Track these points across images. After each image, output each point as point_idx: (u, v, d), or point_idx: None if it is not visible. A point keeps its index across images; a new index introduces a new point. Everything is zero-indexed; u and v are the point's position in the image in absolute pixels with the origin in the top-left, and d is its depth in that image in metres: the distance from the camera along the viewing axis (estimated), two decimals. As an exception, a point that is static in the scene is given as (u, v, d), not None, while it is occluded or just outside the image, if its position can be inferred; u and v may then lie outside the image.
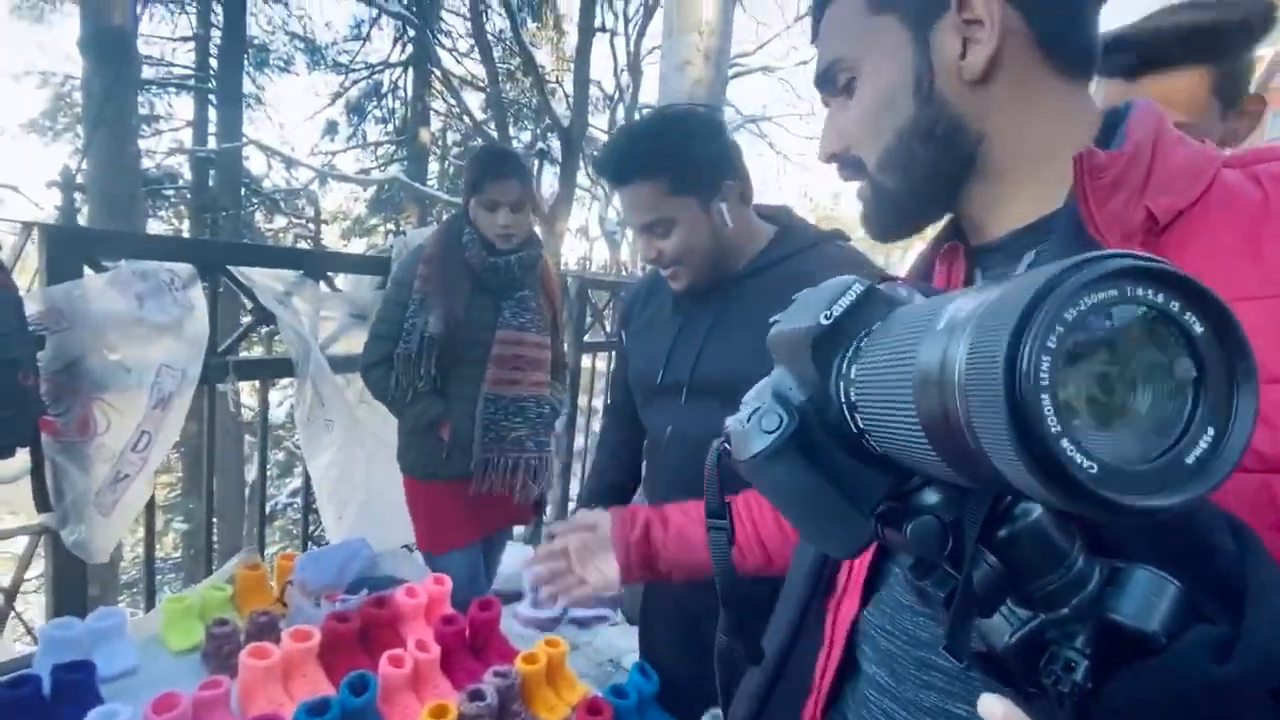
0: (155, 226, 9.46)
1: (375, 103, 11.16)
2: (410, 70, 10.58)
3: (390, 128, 11.67)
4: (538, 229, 1.77)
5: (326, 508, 1.73)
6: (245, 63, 9.63)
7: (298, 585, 1.38)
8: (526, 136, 11.80)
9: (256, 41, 10.34)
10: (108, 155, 4.76)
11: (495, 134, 9.18)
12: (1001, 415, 0.20)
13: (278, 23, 10.50)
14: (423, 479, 1.66)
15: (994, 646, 0.31)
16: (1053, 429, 0.20)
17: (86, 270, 1.36)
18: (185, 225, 10.02)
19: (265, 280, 1.68)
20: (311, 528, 2.01)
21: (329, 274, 1.86)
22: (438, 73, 9.81)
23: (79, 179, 4.74)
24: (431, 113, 11.08)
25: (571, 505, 2.61)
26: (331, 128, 11.23)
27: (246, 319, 1.71)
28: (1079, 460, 0.20)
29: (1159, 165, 0.40)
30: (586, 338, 2.82)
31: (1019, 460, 0.20)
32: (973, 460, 0.22)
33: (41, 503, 1.33)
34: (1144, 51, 0.82)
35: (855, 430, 0.31)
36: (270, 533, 7.46)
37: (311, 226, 10.05)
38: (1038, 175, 0.46)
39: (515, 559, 1.76)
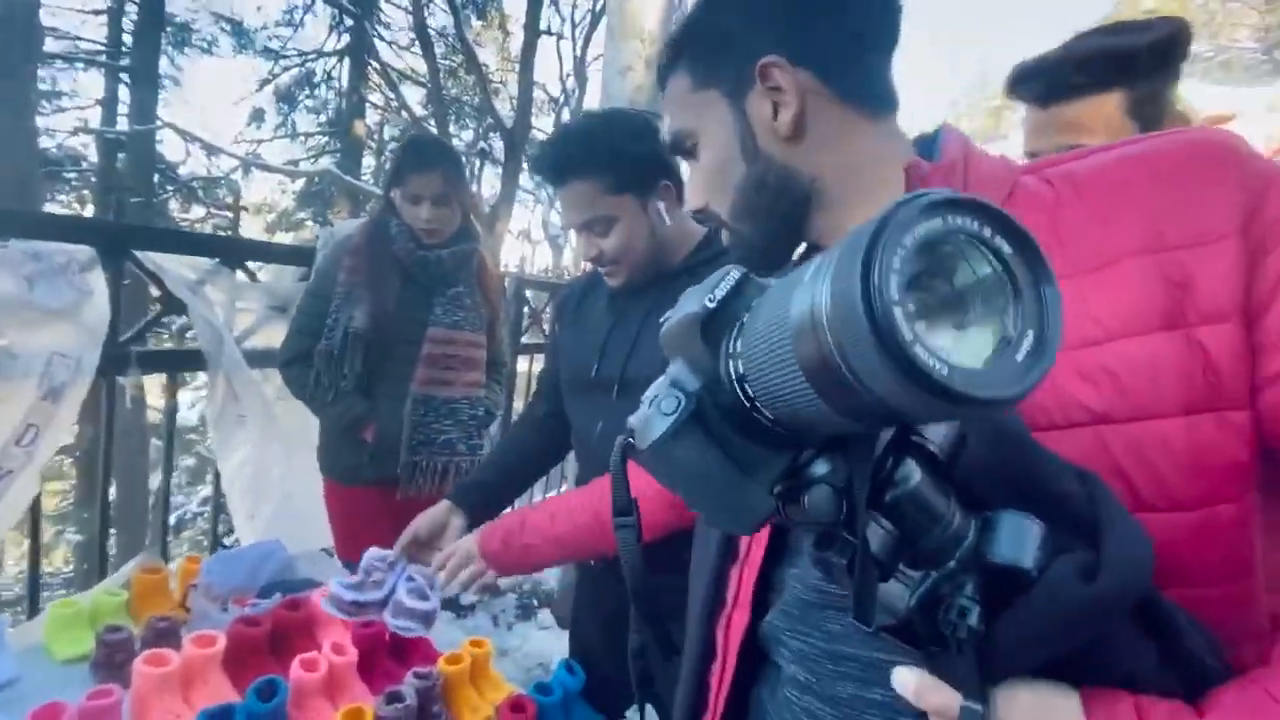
0: (54, 210, 8.69)
1: (307, 92, 10.69)
2: (346, 60, 10.20)
3: (323, 119, 11.21)
4: (477, 226, 1.74)
5: (238, 509, 1.63)
6: (163, 41, 9.02)
7: (203, 589, 1.30)
8: (469, 135, 11.58)
9: (177, 19, 9.72)
10: (6, 133, 4.33)
11: (435, 130, 8.96)
12: (865, 331, 0.23)
13: (202, 1, 9.92)
14: (344, 482, 1.59)
15: (897, 611, 0.34)
16: (907, 337, 0.23)
17: (-32, 248, 1.24)
18: (89, 210, 9.27)
19: (176, 268, 1.58)
20: (221, 532, 1.89)
21: (248, 264, 1.77)
22: (375, 65, 9.51)
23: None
24: (368, 105, 10.71)
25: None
26: (258, 115, 10.68)
27: (155, 308, 1.60)
28: (933, 363, 0.23)
29: (972, 173, 0.48)
30: (524, 339, 2.79)
31: (885, 371, 0.23)
32: (850, 392, 0.25)
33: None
34: (1051, 79, 0.87)
35: (747, 403, 0.33)
36: (178, 544, 6.93)
37: (230, 215, 9.49)
38: (870, 198, 0.53)
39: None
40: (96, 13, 9.05)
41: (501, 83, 10.89)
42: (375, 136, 11.56)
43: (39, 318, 1.26)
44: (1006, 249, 0.26)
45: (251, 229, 11.97)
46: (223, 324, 1.60)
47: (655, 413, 0.35)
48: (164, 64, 9.21)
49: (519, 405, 2.85)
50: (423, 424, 1.56)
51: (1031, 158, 0.88)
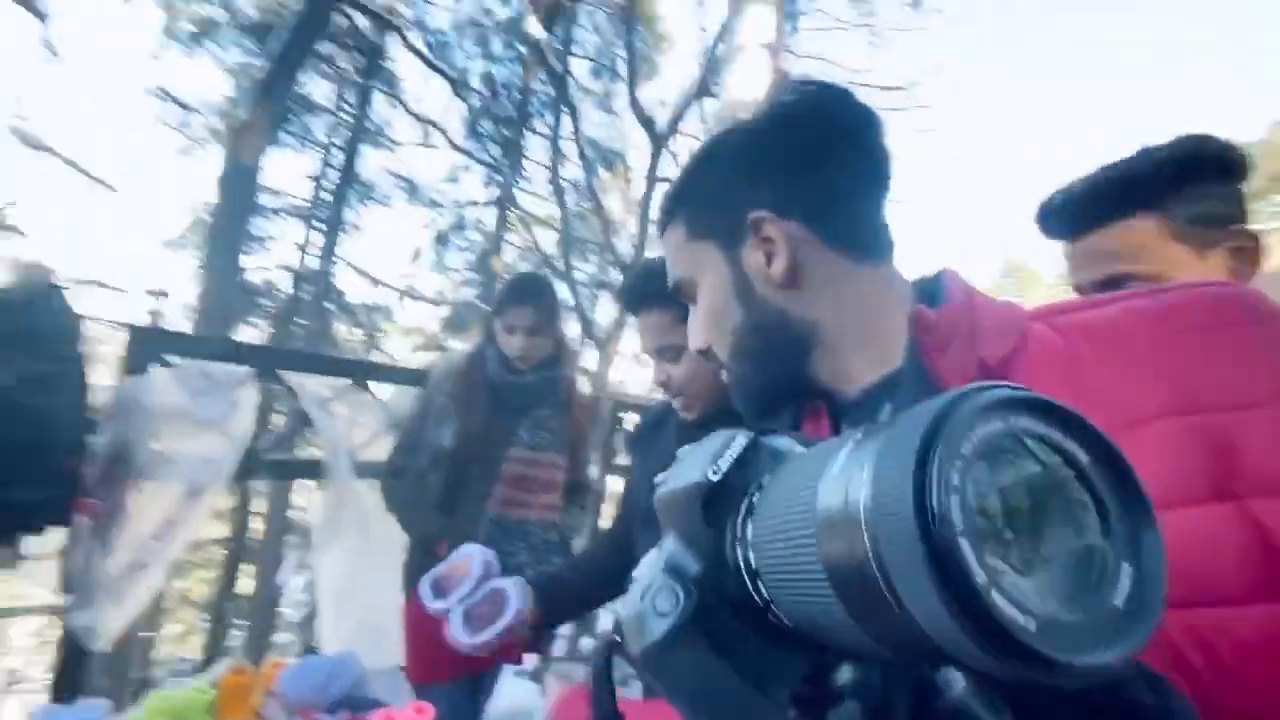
0: (249, 332, 10.41)
1: (460, 235, 12.40)
2: (493, 208, 11.78)
3: (469, 256, 12.82)
4: (570, 353, 1.84)
5: (326, 615, 1.70)
6: (350, 197, 10.99)
7: (278, 697, 1.32)
8: (592, 269, 12.64)
9: (363, 179, 11.87)
10: (218, 270, 5.41)
11: (563, 266, 9.91)
12: (918, 557, 0.18)
13: (384, 163, 12.10)
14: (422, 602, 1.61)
15: None
16: (978, 579, 0.18)
17: (156, 368, 1.50)
18: (269, 331, 10.97)
19: (312, 385, 1.80)
20: (315, 640, 1.96)
21: (373, 383, 1.97)
22: (516, 211, 10.85)
23: (199, 288, 5.44)
24: (507, 245, 12.14)
25: (586, 640, 2.46)
26: (417, 254, 12.41)
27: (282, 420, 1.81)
28: (1013, 614, 0.17)
29: (980, 319, 0.47)
30: (617, 460, 2.80)
31: (945, 612, 0.18)
32: (888, 617, 0.20)
33: (63, 584, 1.37)
34: (1071, 212, 0.81)
35: (760, 602, 0.28)
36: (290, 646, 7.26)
37: (380, 334, 10.81)
38: (872, 340, 0.52)
39: (516, 694, 1.64)
40: (311, 178, 11.32)
41: (622, 224, 11.95)
42: (511, 272, 12.96)
43: (194, 427, 1.47)
44: (1083, 458, 0.21)
45: (400, 350, 13.53)
46: (341, 437, 1.77)
47: (649, 609, 0.30)
48: (349, 214, 11.15)
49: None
50: (495, 545, 1.57)
51: (1078, 291, 0.81)
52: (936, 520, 0.18)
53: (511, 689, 1.84)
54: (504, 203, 11.37)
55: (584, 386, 1.82)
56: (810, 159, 0.53)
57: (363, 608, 1.68)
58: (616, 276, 9.98)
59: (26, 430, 1.18)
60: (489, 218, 11.99)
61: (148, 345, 1.47)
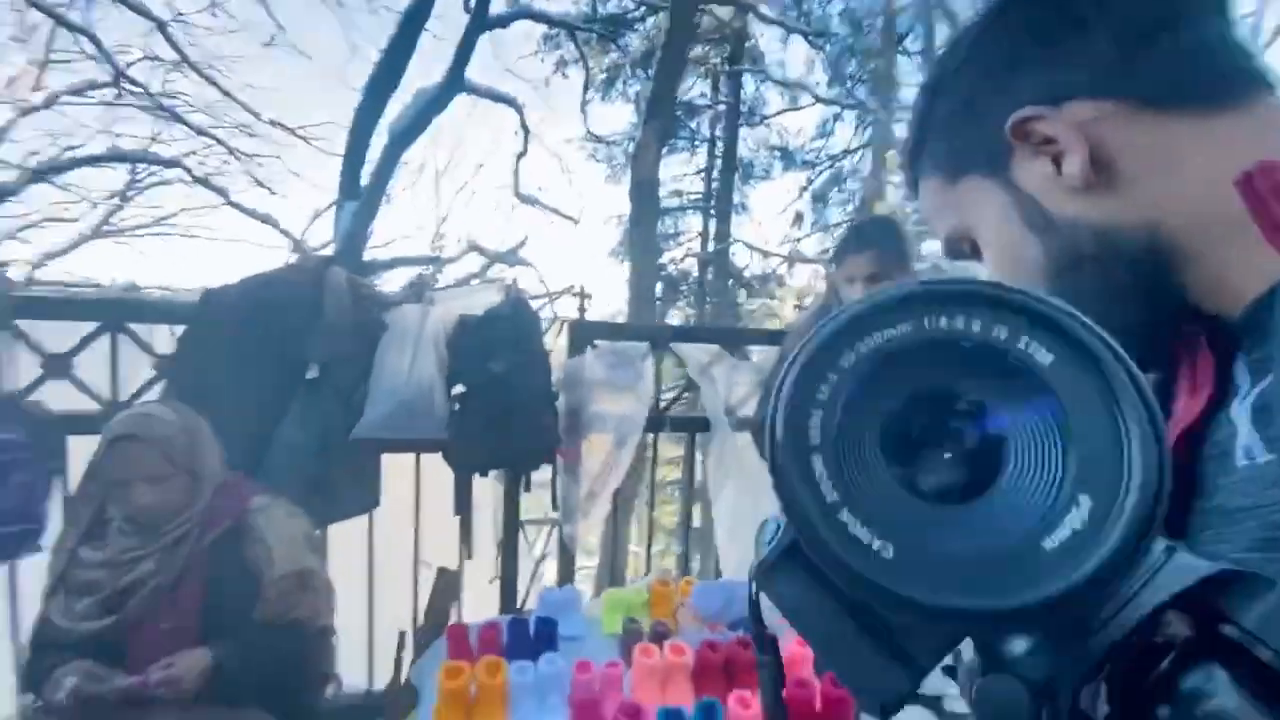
0: (673, 316, 12.49)
1: (836, 189, 12.13)
2: (869, 152, 11.11)
3: (850, 208, 12.42)
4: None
5: (724, 546, 1.98)
6: (735, 180, 11.92)
7: (689, 609, 1.63)
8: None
9: (745, 160, 12.71)
10: (640, 267, 6.68)
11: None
12: (787, 470, 0.19)
13: (759, 138, 12.69)
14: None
15: None
16: (829, 496, 0.18)
17: (588, 350, 2.00)
18: (691, 313, 12.83)
19: (696, 354, 2.10)
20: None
21: (746, 347, 2.17)
22: (895, 149, 9.99)
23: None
24: (889, 186, 11.30)
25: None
26: (798, 218, 12.67)
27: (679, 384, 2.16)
28: (864, 535, 0.18)
29: None
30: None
31: (805, 525, 0.18)
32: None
33: (553, 504, 1.97)
34: None
35: None
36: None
37: (774, 303, 11.47)
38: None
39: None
40: (699, 171, 12.77)
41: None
42: (897, 214, 12.04)
43: (614, 393, 1.91)
44: (1044, 358, 0.17)
45: (789, 311, 14.16)
46: (721, 397, 2.02)
47: (762, 538, 0.30)
48: (736, 196, 12.12)
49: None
50: None
51: None
52: (796, 434, 0.18)
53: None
54: (878, 141, 10.61)
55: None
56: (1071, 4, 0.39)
57: (748, 542, 1.89)
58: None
59: (521, 399, 1.74)
60: (866, 164, 11.36)
61: (580, 335, 1.98)
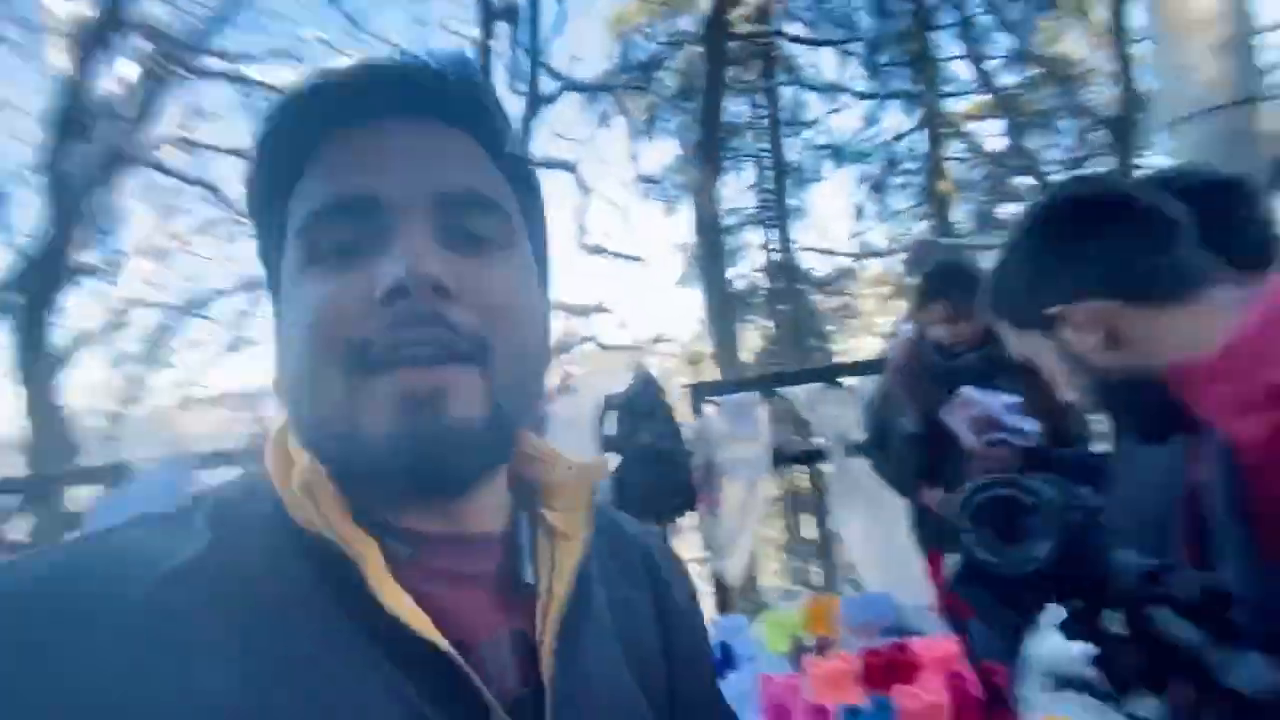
0: (749, 333, 12.68)
1: (895, 173, 11.99)
2: (924, 132, 10.96)
3: (912, 190, 12.22)
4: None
5: (861, 562, 2.22)
6: (787, 187, 12.04)
7: (844, 621, 1.88)
8: (1066, 144, 10.27)
9: (791, 164, 12.78)
10: (710, 288, 7.03)
11: (1022, 154, 8.47)
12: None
13: (806, 142, 12.75)
14: (935, 550, 1.93)
15: None
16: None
17: (706, 406, 2.33)
18: (768, 324, 12.94)
19: (798, 393, 2.37)
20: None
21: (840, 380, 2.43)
22: (947, 123, 9.84)
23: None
24: (948, 161, 11.07)
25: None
26: (859, 211, 12.57)
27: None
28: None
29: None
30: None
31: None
32: None
33: (704, 544, 2.29)
34: None
35: None
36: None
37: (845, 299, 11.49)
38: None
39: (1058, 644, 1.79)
40: (752, 186, 12.99)
41: (1091, 71, 9.30)
42: (960, 187, 11.71)
43: (738, 443, 2.21)
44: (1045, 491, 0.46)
45: (868, 304, 13.96)
46: (829, 426, 2.28)
47: (955, 556, 0.62)
48: (792, 202, 12.23)
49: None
50: None
51: None
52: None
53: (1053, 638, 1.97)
54: (929, 120, 10.45)
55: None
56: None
57: (884, 557, 2.13)
58: (1099, 138, 7.86)
59: (667, 465, 2.08)
60: (921, 145, 11.18)
61: (697, 396, 2.31)
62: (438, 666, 0.32)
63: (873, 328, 12.88)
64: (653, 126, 11.99)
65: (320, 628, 0.31)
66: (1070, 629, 0.55)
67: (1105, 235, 0.66)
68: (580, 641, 0.38)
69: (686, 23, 10.05)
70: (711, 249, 7.21)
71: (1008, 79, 9.22)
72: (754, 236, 13.17)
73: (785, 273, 11.94)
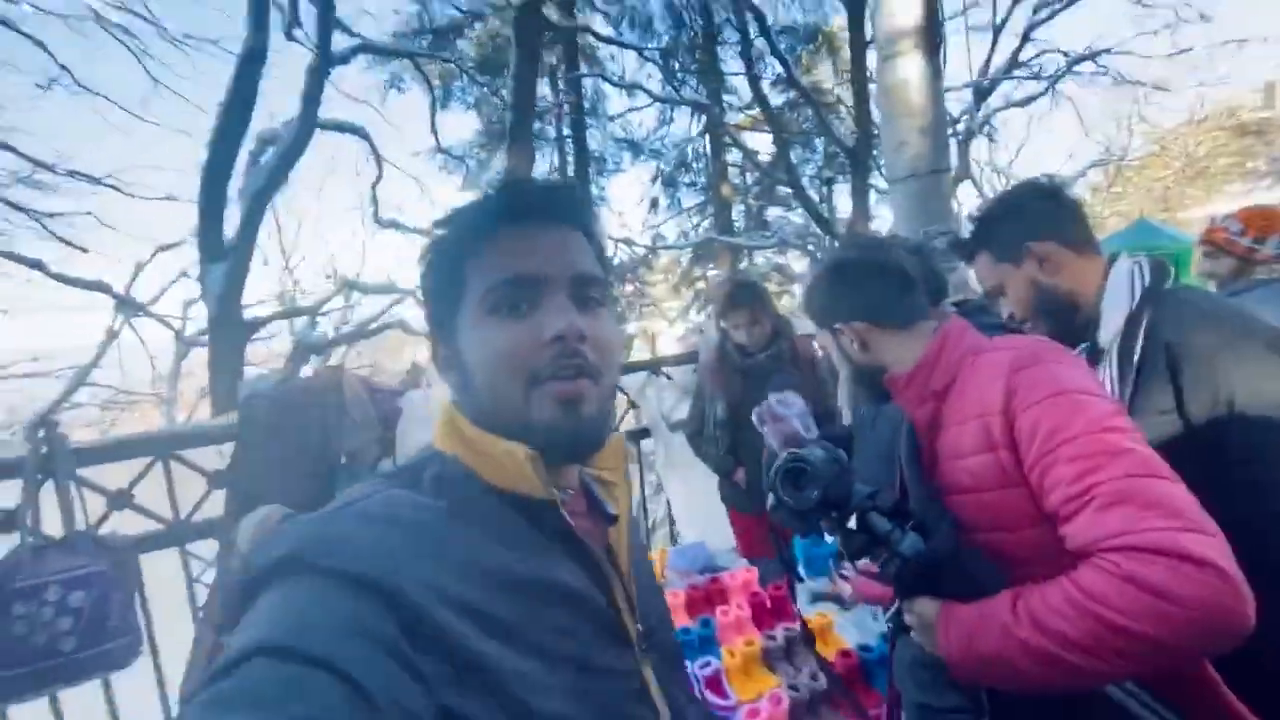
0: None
1: (685, 173, 13.19)
2: (706, 138, 12.18)
3: (699, 188, 13.54)
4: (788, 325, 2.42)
5: (682, 519, 2.67)
6: (590, 172, 12.49)
7: (671, 566, 2.30)
8: (819, 162, 12.27)
9: (595, 153, 13.31)
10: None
11: (786, 171, 9.94)
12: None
13: (608, 134, 13.34)
14: (736, 509, 2.44)
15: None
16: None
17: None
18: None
19: (630, 381, 2.73)
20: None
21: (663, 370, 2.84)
22: (729, 134, 11.08)
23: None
24: (729, 167, 12.49)
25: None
26: (654, 204, 13.58)
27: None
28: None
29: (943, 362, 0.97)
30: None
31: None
32: None
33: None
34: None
35: None
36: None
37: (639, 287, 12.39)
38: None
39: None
40: (552, 171, 13.18)
41: (839, 101, 11.23)
42: (739, 191, 13.31)
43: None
44: (816, 455, 0.85)
45: (660, 290, 15.18)
46: (656, 411, 2.68)
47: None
48: (592, 190, 12.72)
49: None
50: None
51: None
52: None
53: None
54: (714, 129, 11.66)
55: (805, 341, 2.39)
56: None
57: (703, 514, 2.61)
58: (841, 161, 9.62)
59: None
60: (706, 148, 12.41)
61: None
62: (590, 559, 0.59)
63: (663, 313, 14.04)
64: (449, 97, 11.51)
65: (531, 540, 0.56)
66: (830, 530, 0.93)
67: (864, 281, 1.05)
68: (635, 549, 0.67)
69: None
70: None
71: (776, 99, 10.67)
72: (556, 220, 13.43)
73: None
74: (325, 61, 6.15)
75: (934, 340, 0.98)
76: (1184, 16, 10.43)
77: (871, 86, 8.16)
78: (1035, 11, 10.53)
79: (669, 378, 2.83)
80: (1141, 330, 1.00)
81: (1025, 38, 10.46)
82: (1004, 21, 10.35)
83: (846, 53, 9.70)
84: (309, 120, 6.04)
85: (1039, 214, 1.12)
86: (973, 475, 0.86)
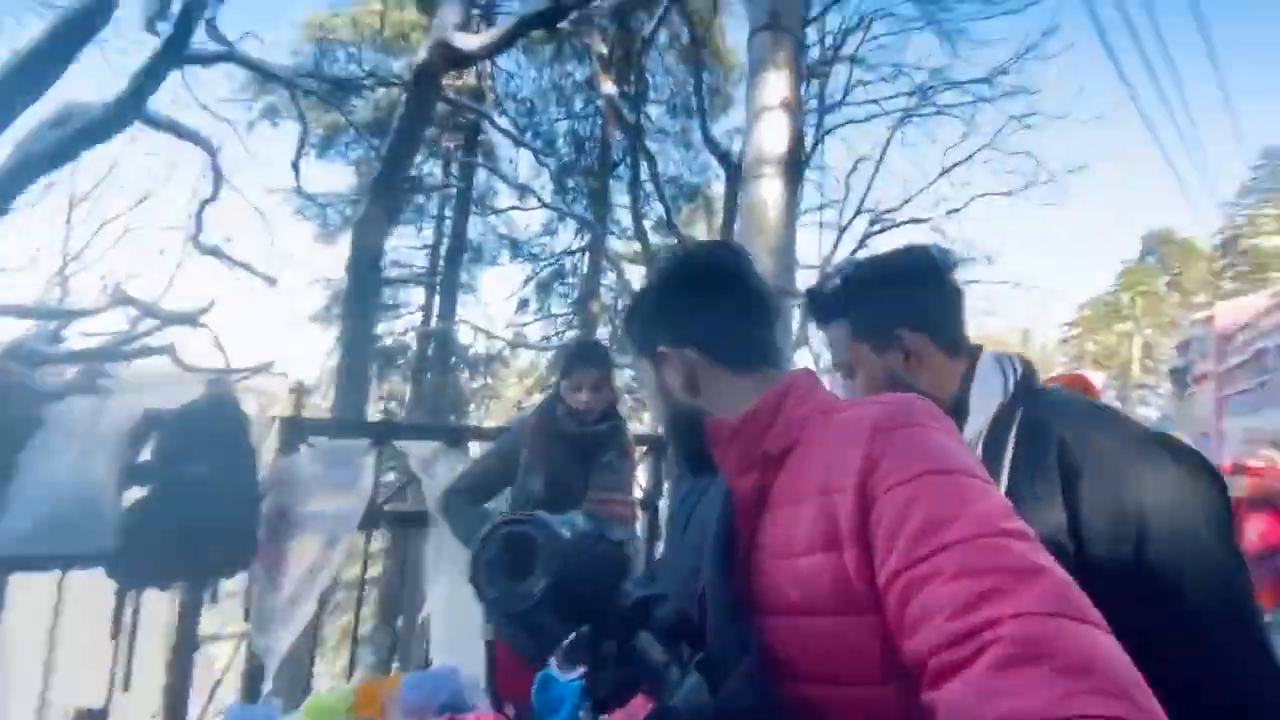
0: (387, 388, 11.79)
1: (559, 282, 13.29)
2: (586, 254, 12.51)
3: (570, 301, 13.65)
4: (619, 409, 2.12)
5: (435, 635, 2.07)
6: (463, 260, 12.17)
7: (399, 702, 1.68)
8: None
9: (475, 243, 13.09)
10: (353, 337, 6.35)
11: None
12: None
13: (490, 227, 13.28)
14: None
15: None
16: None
17: (302, 447, 1.97)
18: (408, 387, 12.30)
19: (419, 449, 2.21)
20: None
21: (469, 442, 2.37)
22: (607, 256, 11.47)
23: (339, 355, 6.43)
24: (602, 287, 12.81)
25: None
26: (524, 304, 13.41)
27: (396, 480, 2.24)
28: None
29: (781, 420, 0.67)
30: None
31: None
32: None
33: (246, 615, 1.83)
34: (813, 311, 1.01)
35: None
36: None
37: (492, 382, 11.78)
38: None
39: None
40: (425, 246, 12.70)
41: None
42: (608, 311, 13.61)
43: (331, 490, 1.91)
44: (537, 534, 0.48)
45: (516, 391, 14.62)
46: (440, 490, 2.16)
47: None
48: (464, 276, 12.34)
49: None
50: None
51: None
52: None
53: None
54: (595, 248, 12.05)
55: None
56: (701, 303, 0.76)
57: (464, 628, 2.03)
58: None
59: (221, 503, 1.64)
60: (585, 264, 12.73)
61: (293, 432, 1.94)
62: None
63: (510, 413, 13.39)
64: (329, 147, 10.94)
65: None
66: (572, 654, 0.55)
67: (710, 297, 0.76)
68: None
69: (399, 66, 9.79)
70: (363, 294, 6.61)
71: (655, 239, 11.34)
72: (416, 296, 12.76)
73: (440, 343, 11.72)
74: (174, 46, 5.45)
75: (776, 387, 0.69)
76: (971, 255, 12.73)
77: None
78: (871, 224, 12.45)
79: (466, 451, 2.34)
80: (1015, 425, 0.78)
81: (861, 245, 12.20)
82: (846, 226, 12.11)
83: (719, 219, 10.70)
84: (132, 104, 5.20)
85: (921, 299, 0.91)
86: (802, 587, 0.55)
